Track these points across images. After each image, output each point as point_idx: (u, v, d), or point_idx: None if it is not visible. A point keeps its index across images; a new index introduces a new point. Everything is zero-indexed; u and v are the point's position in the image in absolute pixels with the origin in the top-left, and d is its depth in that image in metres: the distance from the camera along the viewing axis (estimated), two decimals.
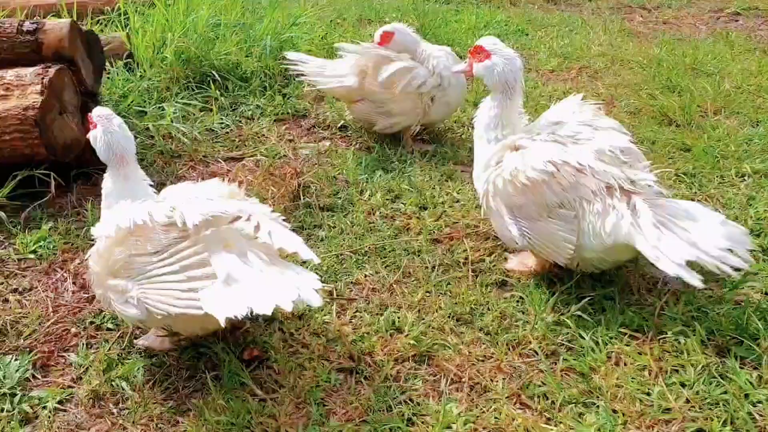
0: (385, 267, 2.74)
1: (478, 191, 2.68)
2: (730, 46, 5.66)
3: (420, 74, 3.60)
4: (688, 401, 2.03)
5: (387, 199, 3.21)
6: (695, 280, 2.11)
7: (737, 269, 2.13)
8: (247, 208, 2.10)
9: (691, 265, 2.12)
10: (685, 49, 5.47)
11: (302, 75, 3.79)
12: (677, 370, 2.16)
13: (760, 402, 2.01)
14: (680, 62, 5.06)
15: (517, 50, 5.32)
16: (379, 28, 3.80)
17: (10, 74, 3.13)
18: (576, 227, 2.36)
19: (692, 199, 3.15)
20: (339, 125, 4.08)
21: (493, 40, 2.73)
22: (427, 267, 2.72)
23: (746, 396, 2.03)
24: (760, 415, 1.97)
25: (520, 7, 7.26)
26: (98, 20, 5.23)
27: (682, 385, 2.10)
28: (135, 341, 2.32)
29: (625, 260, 2.49)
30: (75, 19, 4.83)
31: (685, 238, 2.17)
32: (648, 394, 2.07)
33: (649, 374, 2.14)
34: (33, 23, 3.28)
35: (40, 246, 2.86)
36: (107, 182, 2.37)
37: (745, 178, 3.34)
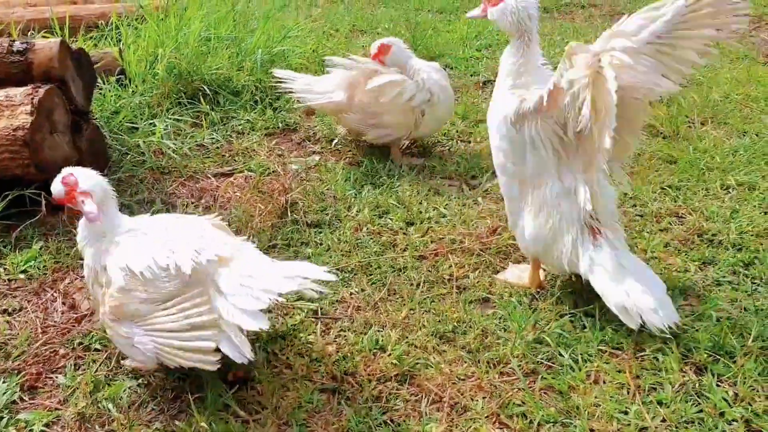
0: (371, 284, 2.77)
1: (492, 146, 2.64)
2: (720, 54, 5.68)
3: (409, 88, 3.64)
4: (664, 420, 2.06)
5: (374, 215, 3.25)
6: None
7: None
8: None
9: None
10: None
11: (291, 92, 3.83)
12: (655, 388, 2.19)
13: (735, 420, 2.04)
14: None
15: None
16: (376, 40, 3.84)
17: (0, 95, 3.17)
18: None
19: (677, 213, 3.19)
20: (329, 139, 4.11)
21: None
22: (412, 284, 2.76)
23: (722, 414, 2.06)
24: None
25: None
26: (91, 35, 5.28)
27: (660, 403, 2.13)
28: (122, 361, 2.35)
29: None
30: (69, 32, 4.89)
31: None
32: (625, 412, 2.10)
33: (627, 392, 2.17)
34: (23, 43, 3.32)
35: (30, 266, 2.89)
36: None
37: (730, 190, 3.37)
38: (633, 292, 2.32)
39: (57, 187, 2.23)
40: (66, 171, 2.25)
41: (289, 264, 2.17)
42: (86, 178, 2.22)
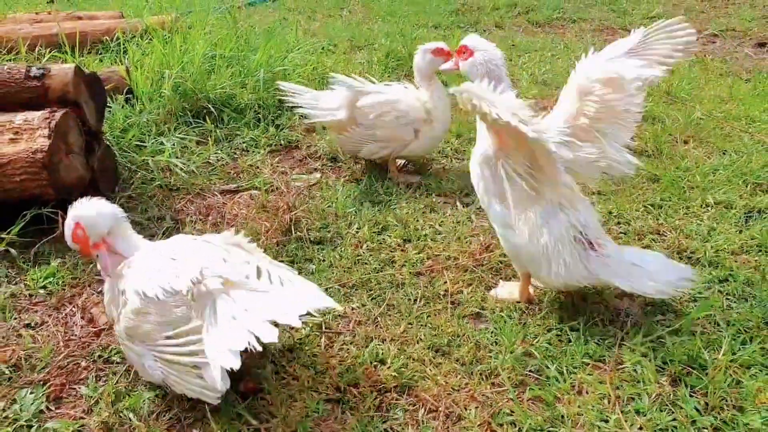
0: (371, 299, 2.95)
1: (475, 186, 2.87)
2: (705, 71, 5.90)
3: (401, 108, 3.82)
4: (641, 428, 2.25)
5: (374, 232, 3.43)
6: None
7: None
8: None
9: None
10: None
11: (297, 106, 3.99)
12: (633, 399, 2.38)
13: (705, 428, 2.23)
14: (656, 88, 5.30)
15: None
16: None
17: (18, 118, 3.34)
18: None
19: (658, 231, 3.38)
20: (329, 156, 4.30)
21: (474, 38, 2.95)
22: (409, 299, 2.94)
23: (693, 422, 2.26)
24: None
25: (505, 30, 7.51)
26: (98, 51, 5.46)
27: (637, 412, 2.32)
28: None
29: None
30: (77, 48, 5.06)
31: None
32: (606, 421, 2.29)
33: (608, 402, 2.36)
34: (40, 69, 3.50)
35: (50, 282, 3.07)
36: None
37: (709, 209, 3.57)
38: (658, 273, 2.54)
39: (72, 245, 2.41)
40: (72, 218, 2.40)
41: (294, 292, 2.31)
42: (93, 225, 2.38)
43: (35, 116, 3.35)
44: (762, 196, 3.65)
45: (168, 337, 2.24)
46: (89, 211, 2.43)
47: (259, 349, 2.02)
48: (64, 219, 3.29)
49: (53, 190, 3.27)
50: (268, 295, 2.24)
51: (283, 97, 4.05)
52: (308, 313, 2.15)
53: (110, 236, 2.44)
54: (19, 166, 3.21)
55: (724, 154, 4.23)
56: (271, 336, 2.03)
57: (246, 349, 2.01)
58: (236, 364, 2.00)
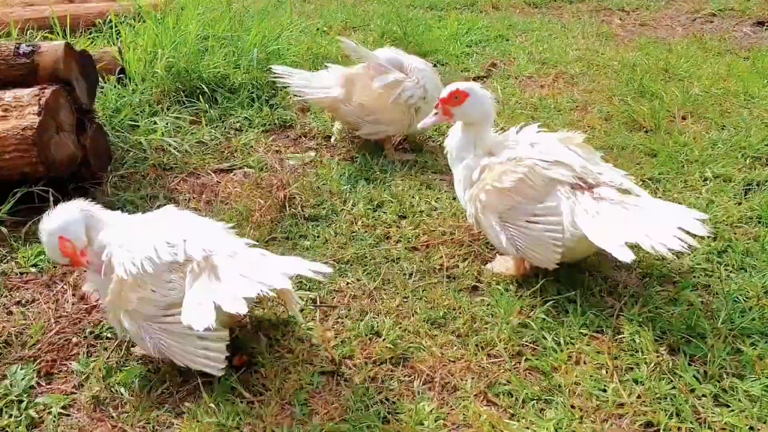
0: (366, 274, 2.92)
1: (467, 210, 2.91)
2: (703, 49, 5.85)
3: (408, 86, 3.79)
4: (639, 396, 2.22)
5: (369, 209, 3.39)
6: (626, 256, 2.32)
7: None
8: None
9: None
10: (659, 52, 5.67)
11: (289, 87, 3.95)
12: (632, 368, 2.35)
13: (704, 396, 2.21)
14: (654, 66, 5.26)
15: (497, 56, 5.54)
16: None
17: (8, 96, 3.30)
18: (561, 223, 2.57)
19: None
20: (324, 135, 4.26)
21: (467, 84, 2.92)
22: (405, 274, 2.91)
23: (692, 390, 2.23)
24: (703, 408, 2.16)
25: (502, 11, 7.45)
26: (90, 33, 5.40)
27: (636, 381, 2.29)
28: (132, 349, 2.50)
29: (593, 252, 2.73)
30: (68, 30, 5.00)
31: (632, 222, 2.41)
32: (604, 390, 2.26)
33: (606, 372, 2.33)
34: (29, 46, 3.45)
35: (41, 259, 3.03)
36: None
37: (707, 182, 3.53)
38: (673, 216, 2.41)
39: (62, 260, 2.34)
40: (52, 234, 2.30)
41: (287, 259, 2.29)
42: (74, 231, 2.31)
43: (25, 93, 3.30)
44: (761, 169, 3.62)
45: (169, 308, 2.22)
46: (64, 222, 2.32)
47: (272, 294, 2.10)
48: (54, 197, 3.28)
49: (44, 168, 3.23)
50: (268, 258, 2.25)
51: (275, 79, 4.00)
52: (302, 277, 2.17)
53: (90, 231, 2.39)
54: (9, 144, 3.17)
55: (722, 129, 4.19)
56: (284, 282, 2.08)
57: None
58: (243, 309, 2.02)
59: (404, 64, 3.88)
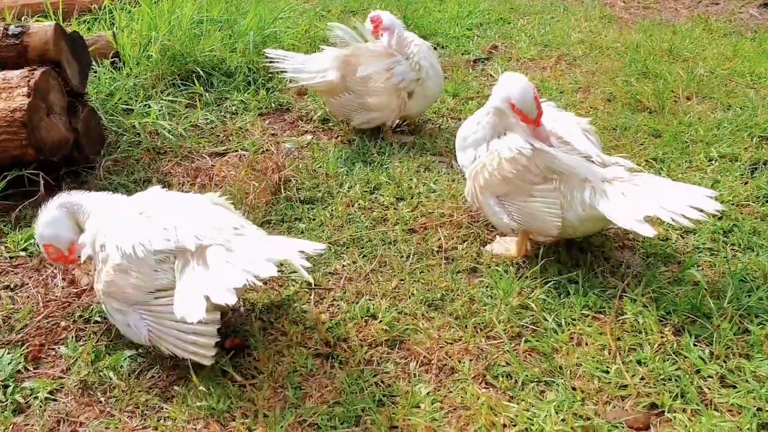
0: (362, 257, 2.85)
1: (467, 185, 2.83)
2: (708, 30, 5.75)
3: (399, 71, 3.70)
4: (643, 378, 2.16)
5: (365, 191, 3.32)
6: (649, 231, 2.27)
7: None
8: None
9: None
10: (663, 34, 5.56)
11: (284, 71, 3.87)
12: (635, 349, 2.28)
13: (710, 376, 2.14)
14: (657, 48, 5.16)
15: (499, 39, 5.43)
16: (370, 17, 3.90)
17: None
18: (558, 200, 2.51)
19: None
20: (321, 119, 4.18)
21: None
22: (402, 256, 2.84)
23: (698, 371, 2.16)
24: (709, 389, 2.09)
25: None
26: (85, 19, 5.32)
27: (639, 362, 2.22)
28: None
29: (599, 229, 2.69)
30: (62, 17, 4.93)
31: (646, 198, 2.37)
32: (606, 372, 2.19)
33: (608, 353, 2.26)
34: (18, 27, 3.37)
35: (30, 243, 2.96)
36: None
37: (712, 162, 3.45)
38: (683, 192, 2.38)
39: (57, 263, 2.41)
40: (39, 241, 2.40)
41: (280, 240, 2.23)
42: (56, 237, 2.38)
43: (14, 75, 3.23)
44: None
45: (159, 293, 2.17)
46: (42, 228, 2.39)
47: (259, 284, 2.04)
48: (45, 181, 3.22)
49: (34, 151, 3.16)
50: (258, 240, 2.20)
51: (269, 64, 3.92)
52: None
53: (78, 217, 2.39)
54: None
55: (728, 109, 4.10)
56: (270, 270, 2.01)
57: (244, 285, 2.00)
58: (232, 299, 1.96)
59: (405, 35, 3.79)
